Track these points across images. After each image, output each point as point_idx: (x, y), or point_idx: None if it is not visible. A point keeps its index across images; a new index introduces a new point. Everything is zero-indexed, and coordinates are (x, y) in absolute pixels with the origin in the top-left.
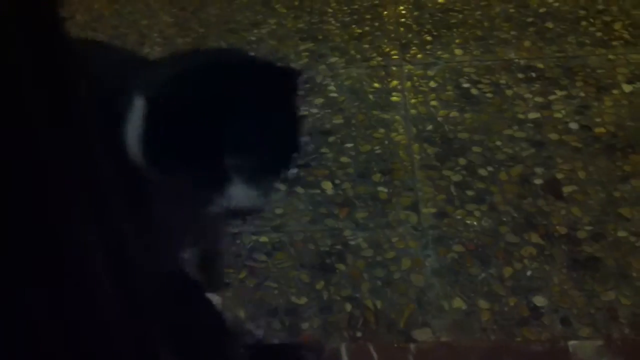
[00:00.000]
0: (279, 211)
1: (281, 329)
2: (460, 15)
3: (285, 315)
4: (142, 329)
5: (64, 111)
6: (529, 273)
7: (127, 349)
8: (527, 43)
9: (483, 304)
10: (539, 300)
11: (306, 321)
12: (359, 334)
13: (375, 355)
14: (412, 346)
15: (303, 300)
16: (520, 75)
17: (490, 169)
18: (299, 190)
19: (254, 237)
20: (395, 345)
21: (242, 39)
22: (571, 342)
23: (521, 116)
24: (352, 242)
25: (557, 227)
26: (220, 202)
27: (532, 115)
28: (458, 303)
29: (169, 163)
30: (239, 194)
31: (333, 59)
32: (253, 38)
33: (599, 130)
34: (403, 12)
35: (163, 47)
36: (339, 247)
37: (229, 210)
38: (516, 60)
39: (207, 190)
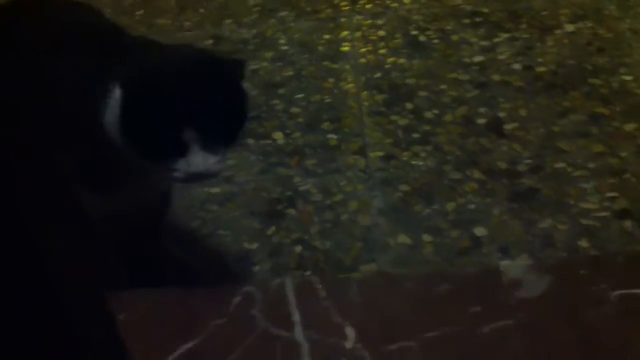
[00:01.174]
0: (230, 162)
1: (233, 274)
2: None
3: (238, 261)
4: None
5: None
6: (470, 207)
7: None
8: None
9: (426, 237)
10: (480, 231)
11: (257, 265)
12: (308, 273)
13: (320, 286)
14: (355, 276)
15: (254, 245)
16: (466, 21)
17: (435, 111)
18: (250, 141)
19: (205, 189)
20: (340, 276)
21: None
22: (503, 262)
23: (466, 60)
24: (302, 188)
25: (498, 162)
26: (182, 168)
27: (477, 58)
28: (403, 239)
29: (140, 139)
30: (198, 160)
31: (283, 13)
32: None
33: (541, 69)
34: None
35: (112, 7)
36: (289, 193)
37: (189, 175)
38: (462, 6)
39: (172, 158)
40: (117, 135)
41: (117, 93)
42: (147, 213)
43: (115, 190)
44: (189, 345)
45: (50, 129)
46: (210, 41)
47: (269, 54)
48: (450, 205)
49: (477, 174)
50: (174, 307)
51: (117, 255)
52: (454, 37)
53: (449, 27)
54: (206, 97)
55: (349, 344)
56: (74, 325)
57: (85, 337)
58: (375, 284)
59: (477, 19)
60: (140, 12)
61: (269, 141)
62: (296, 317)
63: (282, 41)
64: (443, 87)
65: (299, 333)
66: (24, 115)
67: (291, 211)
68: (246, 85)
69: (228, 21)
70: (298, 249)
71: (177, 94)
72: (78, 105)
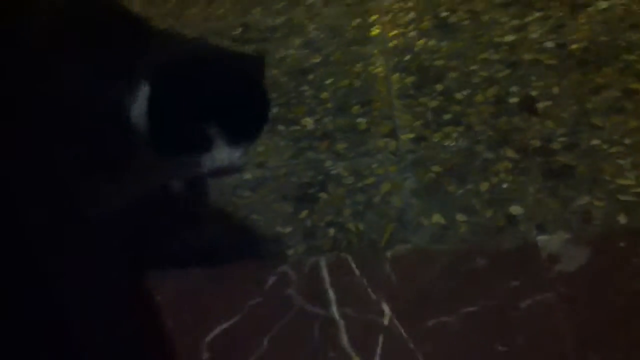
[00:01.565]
0: (260, 149)
1: (267, 255)
2: None
3: (272, 244)
4: None
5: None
6: (504, 185)
7: None
8: None
9: (461, 217)
10: (515, 210)
11: (291, 248)
12: (342, 254)
13: (353, 264)
14: (388, 253)
15: (288, 229)
16: (496, 1)
17: (466, 92)
18: (280, 127)
19: (237, 175)
20: (374, 254)
21: None
22: (540, 238)
23: (497, 40)
24: (333, 172)
25: (532, 141)
26: (207, 164)
27: (508, 38)
28: (437, 218)
29: (166, 135)
30: (223, 155)
31: (311, 0)
32: None
33: (573, 47)
34: None
35: None
36: (320, 177)
37: (213, 169)
38: None
39: (197, 153)
40: (144, 131)
41: (145, 89)
42: (156, 208)
43: (119, 186)
44: (226, 324)
45: (51, 124)
46: (239, 30)
47: (297, 41)
48: (484, 185)
49: (510, 153)
50: (208, 289)
51: (120, 253)
52: (484, 17)
53: (478, 8)
54: (228, 93)
55: (385, 321)
56: (74, 325)
57: (85, 337)
58: (410, 260)
59: None
60: (171, 3)
61: (299, 127)
62: (331, 295)
63: (310, 28)
64: (474, 67)
65: (335, 311)
66: (23, 110)
67: (323, 195)
68: (274, 72)
69: (256, 9)
70: (331, 231)
71: (201, 90)
72: (82, 100)
